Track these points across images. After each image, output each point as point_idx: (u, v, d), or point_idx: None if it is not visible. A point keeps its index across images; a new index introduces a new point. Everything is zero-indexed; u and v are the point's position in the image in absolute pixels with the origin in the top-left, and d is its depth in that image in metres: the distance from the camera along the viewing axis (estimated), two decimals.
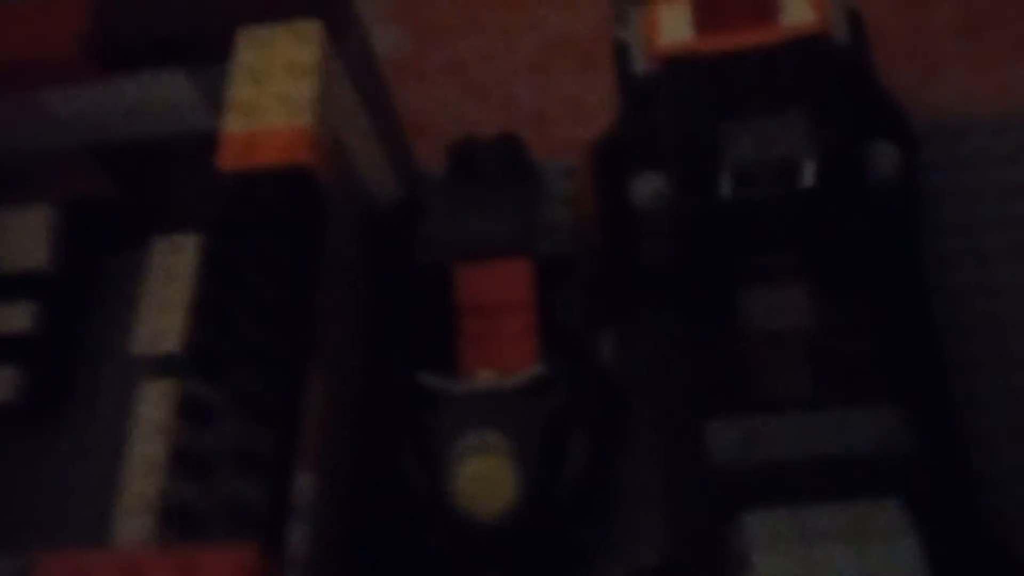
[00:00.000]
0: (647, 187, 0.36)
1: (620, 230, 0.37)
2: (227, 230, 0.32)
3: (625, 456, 0.36)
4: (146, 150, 0.43)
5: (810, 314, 0.37)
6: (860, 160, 0.34)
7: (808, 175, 0.34)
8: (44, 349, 0.44)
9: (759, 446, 0.32)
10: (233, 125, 0.34)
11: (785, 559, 0.29)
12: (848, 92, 0.35)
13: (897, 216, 0.35)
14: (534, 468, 0.32)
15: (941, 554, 0.29)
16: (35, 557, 0.27)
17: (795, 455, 0.31)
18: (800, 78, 0.35)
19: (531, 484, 0.32)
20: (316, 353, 0.31)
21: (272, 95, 0.34)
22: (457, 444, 0.33)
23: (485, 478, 0.32)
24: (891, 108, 0.37)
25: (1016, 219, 0.43)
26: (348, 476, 0.34)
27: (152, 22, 0.37)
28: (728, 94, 0.35)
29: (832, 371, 0.35)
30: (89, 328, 0.46)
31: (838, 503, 0.30)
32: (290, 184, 0.32)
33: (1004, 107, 0.46)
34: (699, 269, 0.36)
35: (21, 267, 0.45)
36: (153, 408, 0.42)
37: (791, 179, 0.34)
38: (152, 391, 0.42)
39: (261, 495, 0.27)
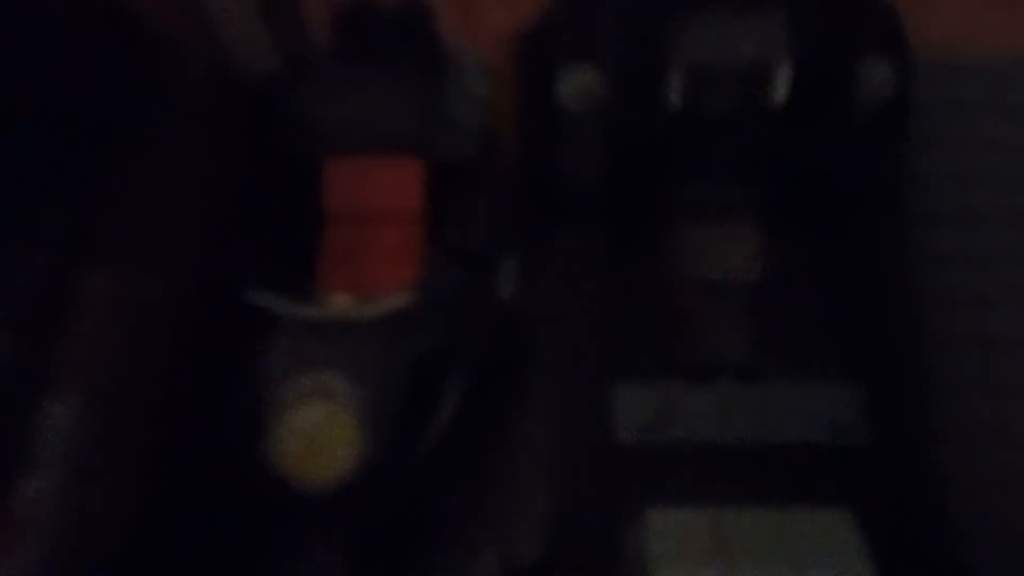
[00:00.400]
0: (576, 83, 0.28)
1: (542, 136, 0.30)
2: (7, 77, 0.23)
3: (517, 415, 0.29)
4: None
5: (759, 263, 0.29)
6: (847, 75, 0.27)
7: (780, 88, 0.27)
8: None
9: (676, 424, 0.25)
10: None
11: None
12: None
13: (884, 149, 0.27)
14: (384, 424, 0.25)
15: None
16: None
17: (721, 439, 0.25)
18: None
19: (378, 444, 0.25)
20: (101, 245, 0.23)
21: None
22: (286, 386, 0.25)
23: (317, 433, 0.25)
24: (888, 18, 0.29)
25: (1013, 178, 0.36)
26: (146, 419, 0.26)
27: None
28: None
29: (778, 336, 0.28)
30: None
31: (771, 508, 0.23)
32: (106, 25, 0.24)
33: (1002, 51, 0.39)
34: (629, 193, 0.28)
35: None
36: None
37: (758, 91, 0.27)
38: None
39: None
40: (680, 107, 0.27)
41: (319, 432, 0.25)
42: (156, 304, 0.26)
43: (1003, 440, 0.29)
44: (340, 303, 0.27)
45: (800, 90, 0.27)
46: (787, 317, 0.28)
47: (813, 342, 0.28)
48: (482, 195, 0.30)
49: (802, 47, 0.26)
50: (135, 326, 0.25)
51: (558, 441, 0.25)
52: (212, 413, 0.26)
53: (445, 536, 0.28)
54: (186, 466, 0.26)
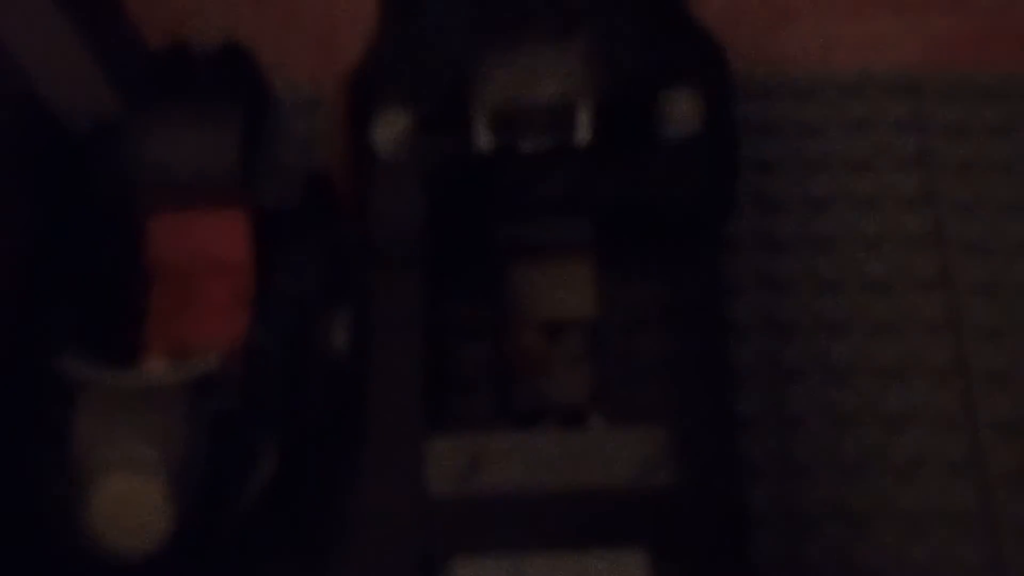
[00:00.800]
0: (390, 129, 0.28)
1: (363, 181, 0.30)
2: None
3: (349, 474, 0.29)
4: None
5: (593, 301, 0.30)
6: (651, 108, 0.27)
7: (583, 125, 0.27)
8: None
9: (488, 472, 0.25)
10: None
11: None
12: (645, 25, 0.27)
13: (696, 182, 0.28)
14: (196, 489, 0.25)
15: None
16: None
17: (529, 486, 0.25)
18: (587, 4, 0.27)
19: (188, 512, 0.24)
20: None
21: None
22: (96, 455, 0.24)
23: (127, 502, 0.24)
24: (704, 49, 0.29)
25: (860, 199, 0.36)
26: None
27: None
28: (497, 17, 0.27)
29: (610, 376, 0.28)
30: None
31: (571, 551, 0.23)
32: None
33: (859, 66, 0.39)
34: (451, 238, 0.28)
35: None
36: None
37: (563, 129, 0.27)
38: None
39: None
40: (490, 148, 0.27)
41: (128, 502, 0.24)
42: None
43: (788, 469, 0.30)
44: (152, 367, 0.27)
45: (604, 126, 0.27)
46: (619, 356, 0.29)
47: (638, 382, 0.28)
48: (312, 242, 0.30)
49: (603, 84, 0.26)
50: None
51: (376, 496, 0.25)
52: (20, 485, 0.25)
53: None
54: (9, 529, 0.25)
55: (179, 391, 0.26)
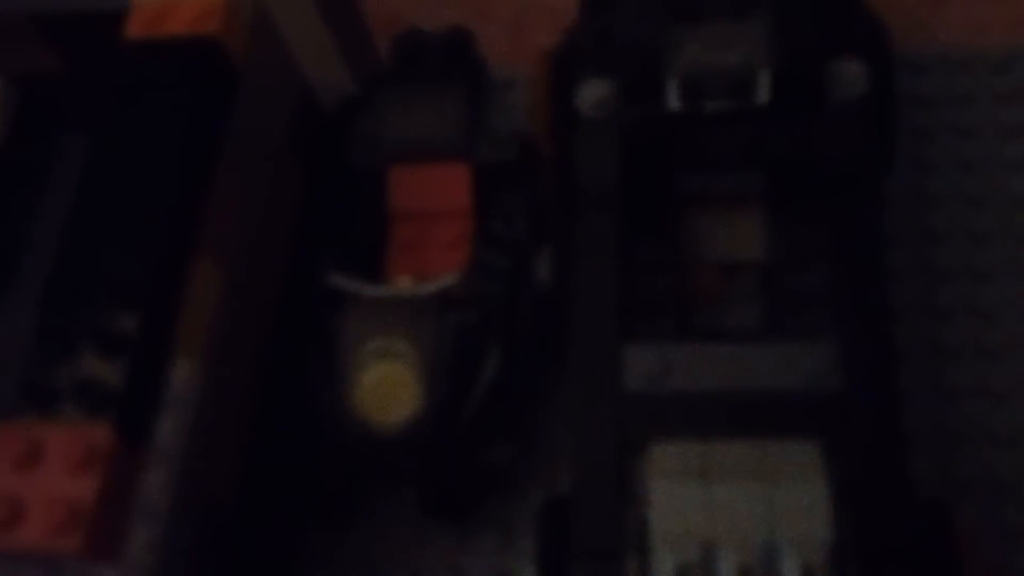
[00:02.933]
0: (593, 93, 0.33)
1: (565, 140, 0.35)
2: (122, 102, 0.30)
3: (554, 378, 0.35)
4: (86, 22, 0.41)
5: (763, 244, 0.34)
6: (821, 76, 0.31)
7: (763, 89, 0.31)
8: None
9: (677, 376, 0.30)
10: None
11: (687, 493, 0.27)
12: (817, 2, 0.32)
13: (860, 142, 0.32)
14: (439, 380, 0.31)
15: (855, 500, 0.27)
16: None
17: (714, 388, 0.29)
18: None
19: (435, 396, 0.30)
20: (205, 242, 0.29)
21: None
22: (361, 349, 0.31)
23: (386, 386, 0.30)
24: (867, 24, 0.34)
25: (1011, 162, 0.39)
26: (249, 377, 0.32)
27: None
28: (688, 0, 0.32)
29: (778, 306, 0.33)
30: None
31: (751, 440, 0.28)
32: (195, 55, 0.30)
33: (1012, 42, 0.42)
34: (644, 186, 0.33)
35: None
36: None
37: (745, 92, 0.32)
38: None
39: (120, 378, 0.25)
40: (679, 109, 0.32)
41: (387, 386, 0.31)
42: (255, 286, 0.33)
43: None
44: (402, 284, 0.33)
45: (781, 90, 0.31)
46: (788, 290, 0.33)
47: (801, 310, 0.32)
48: (520, 193, 0.36)
49: (780, 53, 0.31)
50: (244, 304, 0.31)
51: (578, 393, 0.31)
52: (301, 373, 0.32)
53: (498, 479, 0.34)
54: (282, 412, 0.32)
55: (426, 301, 0.32)
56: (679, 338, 0.32)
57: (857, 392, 0.29)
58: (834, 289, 0.31)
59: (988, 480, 0.34)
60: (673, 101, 0.32)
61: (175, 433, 0.27)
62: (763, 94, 0.31)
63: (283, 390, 0.32)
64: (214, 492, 0.30)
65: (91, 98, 0.44)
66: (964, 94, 0.41)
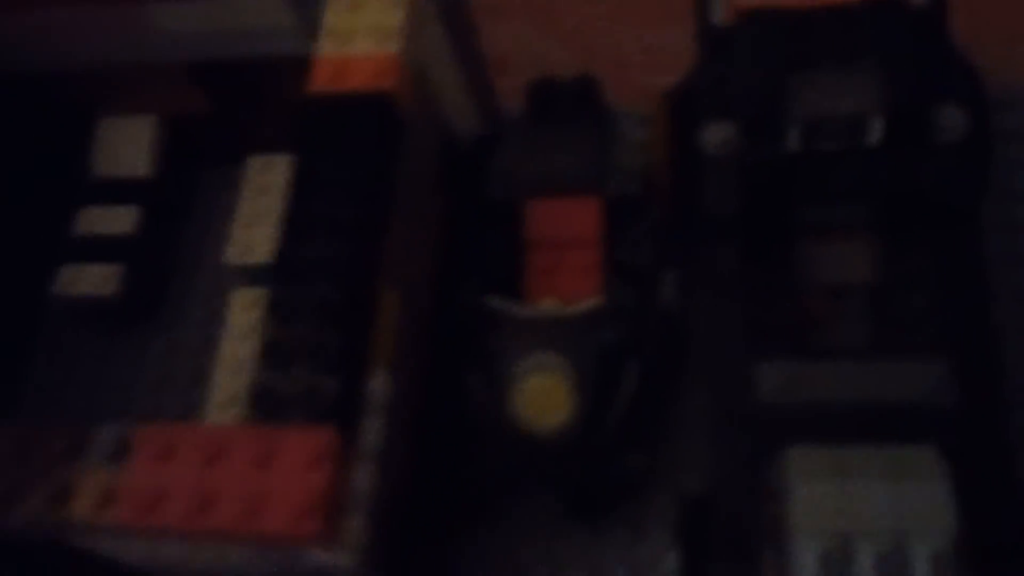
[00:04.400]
0: (717, 135, 0.37)
1: (689, 176, 0.39)
2: (312, 149, 0.34)
3: (679, 390, 0.38)
4: (239, 70, 0.45)
5: (872, 269, 0.38)
6: (927, 120, 0.35)
7: (875, 132, 0.35)
8: (144, 251, 0.47)
9: (806, 388, 0.34)
10: (326, 50, 0.36)
11: (823, 491, 0.31)
12: (920, 53, 0.35)
13: (961, 178, 0.35)
14: (588, 390, 0.35)
15: (973, 499, 0.30)
16: (132, 428, 0.30)
17: (841, 399, 0.33)
18: (873, 36, 0.35)
19: (585, 405, 0.34)
20: (386, 268, 0.33)
21: (364, 23, 0.36)
22: (520, 363, 0.35)
23: (543, 395, 0.34)
24: (964, 71, 0.37)
25: None
26: (419, 384, 0.36)
27: None
28: (801, 48, 0.36)
29: (887, 325, 0.37)
30: (185, 237, 0.50)
31: (878, 445, 0.32)
32: (374, 109, 0.34)
33: None
34: (763, 218, 0.37)
35: (124, 173, 0.48)
36: (242, 313, 0.45)
37: (858, 135, 0.35)
38: (241, 298, 0.45)
39: (336, 387, 0.29)
40: (798, 149, 0.36)
41: (542, 396, 0.35)
42: (418, 306, 0.37)
43: None
44: (550, 305, 0.37)
45: (891, 133, 0.35)
46: (894, 310, 0.37)
47: (914, 329, 0.36)
48: (645, 223, 0.40)
49: (890, 99, 0.35)
50: (412, 323, 0.36)
51: (714, 405, 0.34)
52: (463, 383, 0.36)
53: (633, 483, 0.38)
54: (448, 418, 0.36)
55: (574, 320, 0.36)
56: (801, 355, 0.36)
57: (969, 403, 0.32)
58: (942, 309, 0.35)
59: None
60: (793, 143, 0.36)
61: (375, 433, 0.31)
62: (874, 137, 0.35)
63: (445, 397, 0.37)
64: (399, 486, 0.34)
65: (234, 137, 0.49)
66: None
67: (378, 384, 0.32)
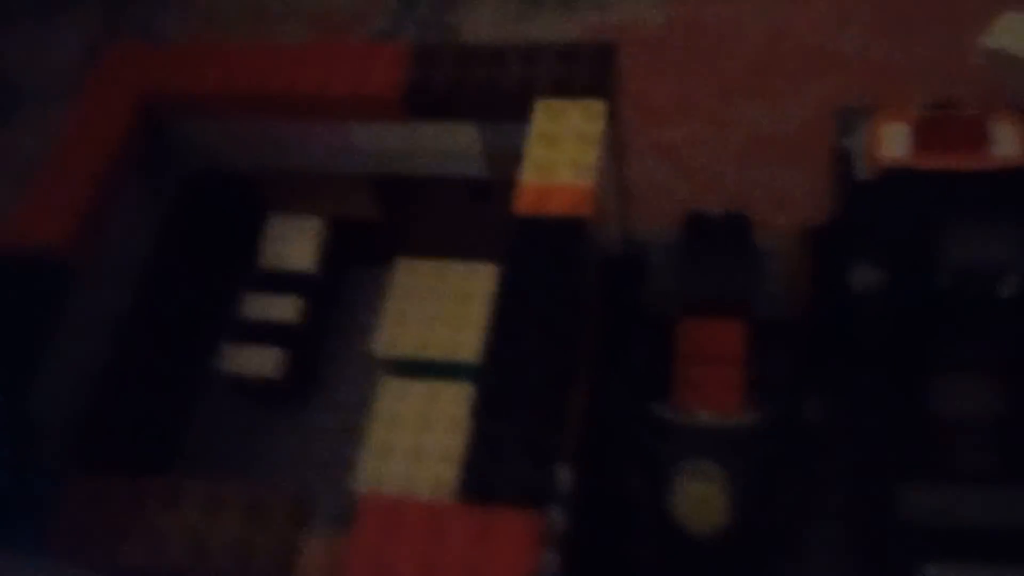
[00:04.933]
0: (867, 277, 0.41)
1: (833, 309, 0.43)
2: (520, 262, 0.38)
3: (817, 503, 0.42)
4: (415, 185, 0.50)
5: (998, 402, 0.41)
6: None
7: (1009, 286, 0.39)
8: (305, 338, 0.51)
9: (944, 509, 0.37)
10: (529, 178, 0.41)
11: None
12: None
13: None
14: (741, 498, 0.38)
15: None
16: (356, 495, 0.33)
17: (975, 520, 0.36)
18: (1007, 201, 0.40)
19: (738, 510, 0.38)
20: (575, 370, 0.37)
21: (563, 157, 0.41)
22: (679, 467, 0.38)
23: (701, 500, 0.38)
24: None
25: None
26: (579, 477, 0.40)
27: (462, 81, 0.44)
28: (943, 206, 0.41)
29: (1014, 453, 0.40)
30: (338, 327, 0.54)
31: (1007, 565, 0.35)
32: (573, 232, 0.39)
33: None
34: (902, 351, 0.41)
35: (291, 267, 0.53)
36: (393, 401, 0.49)
37: (994, 286, 0.39)
38: (392, 387, 0.49)
39: (541, 476, 0.33)
40: (938, 296, 0.40)
41: (701, 500, 0.38)
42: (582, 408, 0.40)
43: None
44: (708, 416, 0.41)
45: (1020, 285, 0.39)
46: (1019, 440, 0.40)
47: None
48: (787, 345, 0.44)
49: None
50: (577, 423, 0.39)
51: (858, 520, 0.38)
52: (622, 485, 0.39)
53: None
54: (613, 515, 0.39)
55: (736, 432, 0.39)
56: (938, 479, 0.39)
57: None
58: None
59: None
60: (935, 290, 0.40)
61: (560, 520, 0.34)
62: (1007, 290, 0.39)
63: (606, 493, 0.40)
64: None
65: (389, 242, 0.53)
66: None
67: (565, 473, 0.35)
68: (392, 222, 0.53)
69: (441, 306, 0.52)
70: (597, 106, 0.42)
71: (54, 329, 0.42)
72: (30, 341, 0.41)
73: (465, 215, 0.52)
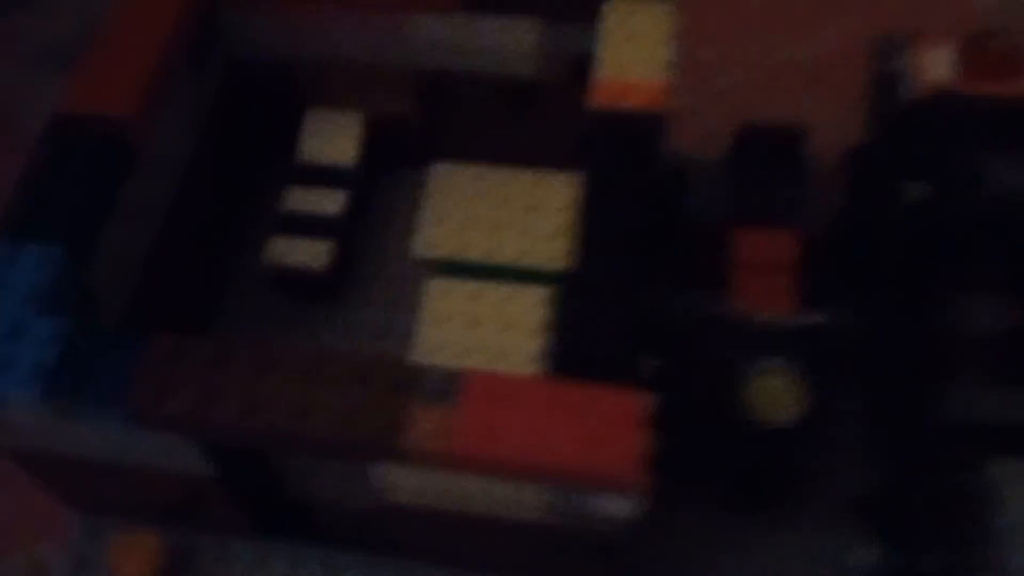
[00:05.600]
0: (915, 193, 0.44)
1: (874, 223, 0.45)
2: (601, 157, 0.39)
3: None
4: (461, 83, 0.50)
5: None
6: None
7: None
8: (349, 231, 0.51)
9: (994, 409, 0.40)
10: (604, 73, 0.41)
11: None
12: None
13: None
14: (807, 390, 0.40)
15: None
16: (461, 373, 0.34)
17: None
18: None
19: (805, 402, 0.40)
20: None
21: (636, 55, 0.42)
22: (752, 365, 0.40)
23: (774, 393, 0.40)
24: None
25: None
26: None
27: None
28: (987, 128, 0.43)
29: None
30: (373, 227, 0.54)
31: None
32: (649, 125, 0.40)
33: None
34: (936, 264, 0.43)
35: (331, 161, 0.52)
36: (441, 300, 0.49)
37: None
38: (439, 287, 0.50)
39: (638, 362, 0.34)
40: (976, 214, 0.42)
41: (774, 393, 0.40)
42: None
43: None
44: (769, 317, 0.43)
45: None
46: None
47: None
48: (827, 256, 0.46)
49: None
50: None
51: (901, 422, 0.40)
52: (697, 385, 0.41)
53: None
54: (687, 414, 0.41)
55: (796, 331, 0.41)
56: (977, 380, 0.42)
57: None
58: None
59: None
60: (974, 208, 0.42)
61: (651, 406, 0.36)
62: None
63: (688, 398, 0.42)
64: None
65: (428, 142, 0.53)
66: None
67: (651, 363, 0.36)
68: (430, 123, 0.53)
69: (480, 209, 0.53)
70: (666, 7, 0.43)
71: (113, 208, 0.41)
72: (95, 217, 0.40)
73: (504, 122, 0.52)
